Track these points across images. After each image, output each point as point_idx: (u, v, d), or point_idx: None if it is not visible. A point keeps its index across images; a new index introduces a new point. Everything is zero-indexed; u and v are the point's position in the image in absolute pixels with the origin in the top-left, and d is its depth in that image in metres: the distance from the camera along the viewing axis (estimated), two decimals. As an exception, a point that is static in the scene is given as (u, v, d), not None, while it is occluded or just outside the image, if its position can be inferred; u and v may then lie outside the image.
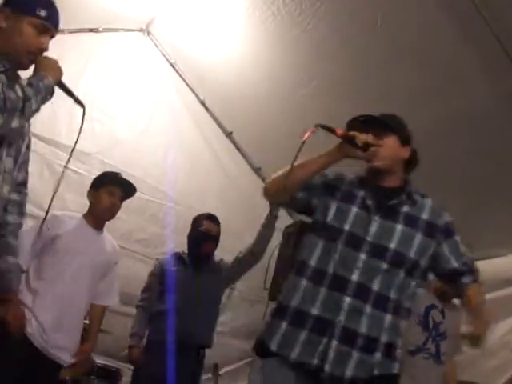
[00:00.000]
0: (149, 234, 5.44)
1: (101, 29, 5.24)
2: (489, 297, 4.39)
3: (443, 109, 4.13)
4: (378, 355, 2.34)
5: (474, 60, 3.80)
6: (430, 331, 3.74)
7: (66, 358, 3.45)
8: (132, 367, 4.36)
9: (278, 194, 2.52)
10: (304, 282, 2.41)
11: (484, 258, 4.45)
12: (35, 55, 2.31)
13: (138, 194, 5.40)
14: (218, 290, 4.37)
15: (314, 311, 2.34)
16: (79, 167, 4.68)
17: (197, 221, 4.36)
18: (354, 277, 2.34)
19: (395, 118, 2.55)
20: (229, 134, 5.93)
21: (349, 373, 2.29)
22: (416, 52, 3.97)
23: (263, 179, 5.93)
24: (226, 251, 4.48)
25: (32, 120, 4.72)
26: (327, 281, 2.36)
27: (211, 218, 4.35)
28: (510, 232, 4.37)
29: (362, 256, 2.37)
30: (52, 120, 4.85)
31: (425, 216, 2.48)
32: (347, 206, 2.47)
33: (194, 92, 5.82)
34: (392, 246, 2.38)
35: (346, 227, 2.42)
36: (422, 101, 4.17)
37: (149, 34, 5.61)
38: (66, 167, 2.99)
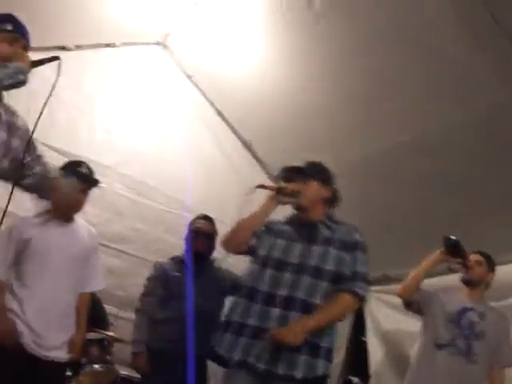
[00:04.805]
0: (166, 245, 5.44)
1: (117, 43, 5.31)
2: (501, 304, 4.33)
3: (455, 112, 4.10)
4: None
5: (487, 63, 3.75)
6: (461, 329, 3.78)
7: (61, 355, 3.49)
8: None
9: (231, 246, 3.18)
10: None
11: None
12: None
13: (155, 204, 5.50)
14: (219, 299, 4.14)
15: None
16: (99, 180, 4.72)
17: (190, 222, 4.38)
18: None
19: (316, 165, 3.17)
20: (247, 144, 5.97)
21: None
22: (422, 50, 3.94)
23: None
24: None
25: (51, 134, 4.67)
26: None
27: (204, 217, 4.36)
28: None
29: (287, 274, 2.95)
30: (71, 133, 4.93)
31: (337, 236, 3.03)
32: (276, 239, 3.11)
33: (211, 103, 5.87)
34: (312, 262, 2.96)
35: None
36: (433, 103, 4.15)
37: (165, 47, 5.68)
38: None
